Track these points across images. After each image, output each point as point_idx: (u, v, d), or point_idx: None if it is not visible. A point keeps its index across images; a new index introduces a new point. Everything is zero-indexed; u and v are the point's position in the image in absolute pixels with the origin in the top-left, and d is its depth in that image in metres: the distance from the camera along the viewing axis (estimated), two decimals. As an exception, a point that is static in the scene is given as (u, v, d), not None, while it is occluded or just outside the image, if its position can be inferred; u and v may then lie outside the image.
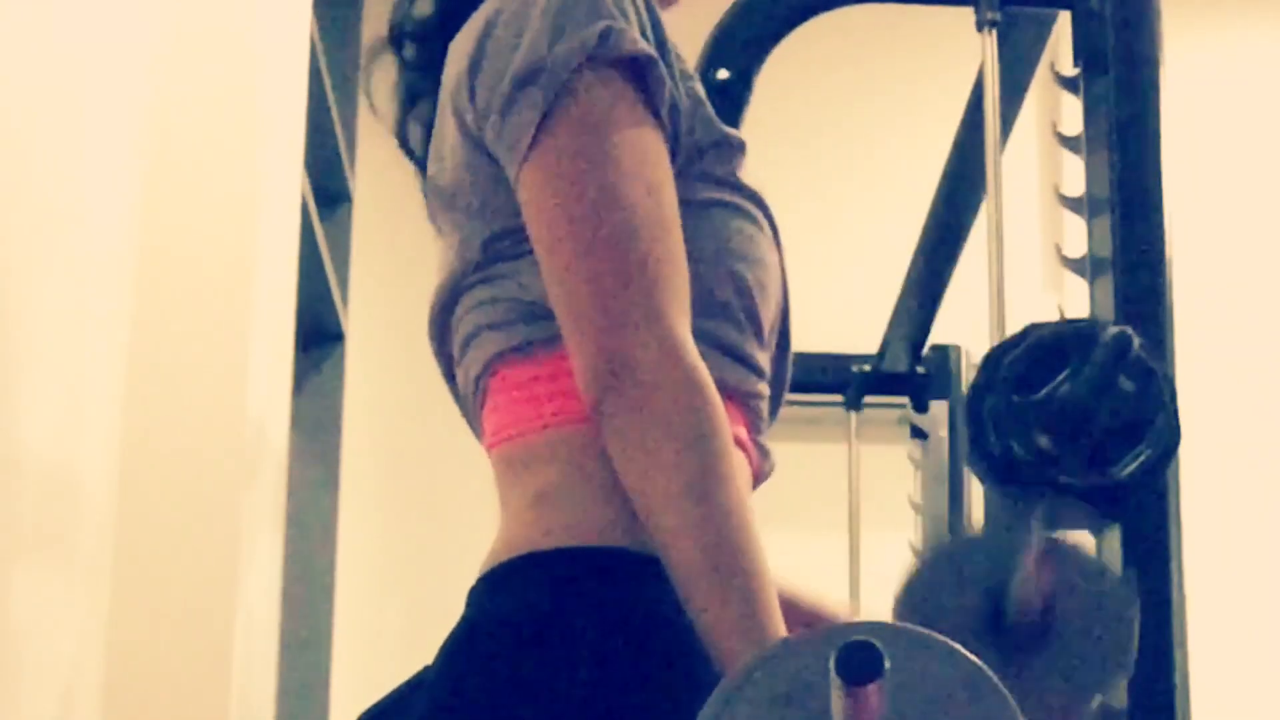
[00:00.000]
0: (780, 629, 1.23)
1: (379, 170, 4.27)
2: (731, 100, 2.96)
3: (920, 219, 3.61)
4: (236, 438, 2.28)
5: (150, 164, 2.27)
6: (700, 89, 1.45)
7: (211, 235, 2.31)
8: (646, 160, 1.33)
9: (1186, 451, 2.20)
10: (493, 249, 1.39)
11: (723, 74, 2.97)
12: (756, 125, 3.07)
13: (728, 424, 1.28)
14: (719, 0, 3.06)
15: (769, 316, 1.44)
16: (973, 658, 1.16)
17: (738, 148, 1.45)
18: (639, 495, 1.27)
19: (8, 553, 1.76)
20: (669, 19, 1.46)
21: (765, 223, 1.45)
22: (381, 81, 1.59)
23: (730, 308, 1.39)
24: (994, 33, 2.87)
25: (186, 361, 2.25)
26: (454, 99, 1.40)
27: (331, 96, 3.58)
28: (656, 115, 1.36)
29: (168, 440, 2.22)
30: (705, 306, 1.36)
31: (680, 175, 1.37)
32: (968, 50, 2.94)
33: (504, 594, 1.33)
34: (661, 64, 1.37)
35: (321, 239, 3.56)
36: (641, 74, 1.35)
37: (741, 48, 3.01)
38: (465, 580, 1.63)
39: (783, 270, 1.48)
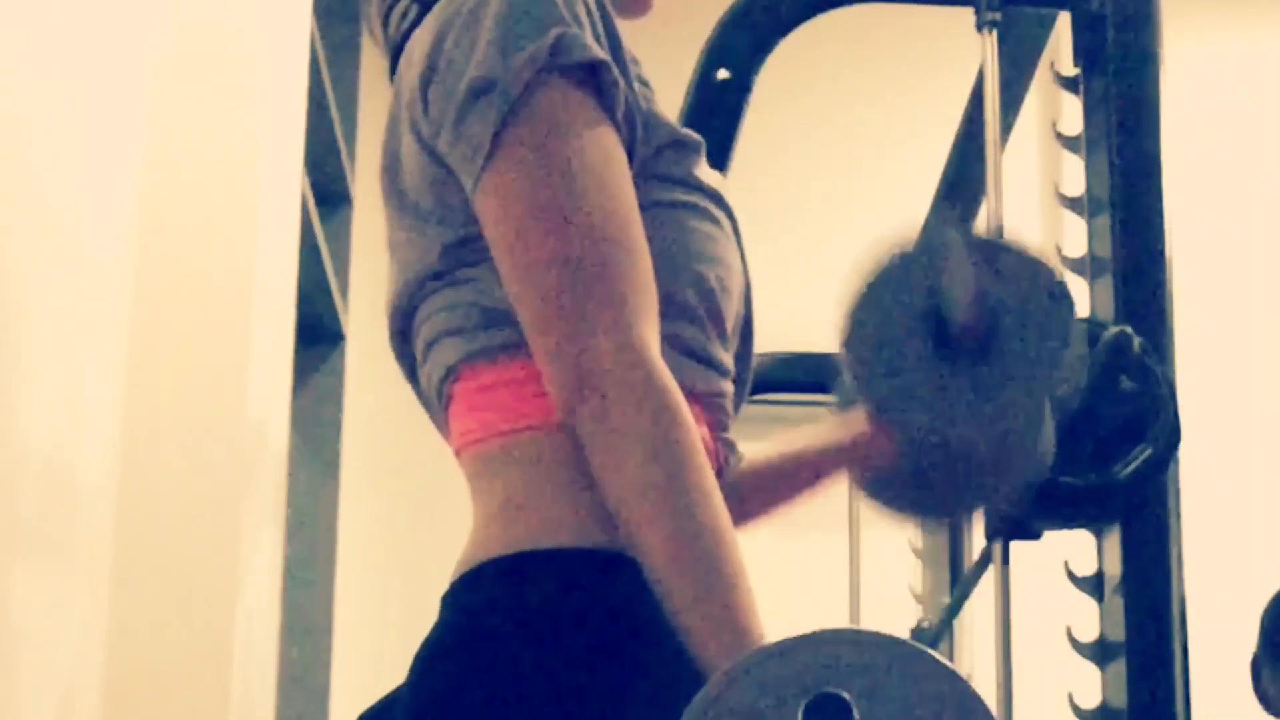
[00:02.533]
0: (758, 632, 1.22)
1: (379, 170, 4.26)
2: (731, 100, 2.96)
3: (920, 219, 3.60)
4: (236, 438, 2.28)
5: (150, 164, 2.27)
6: (650, 89, 1.44)
7: (211, 235, 2.31)
8: (604, 167, 1.32)
9: (1186, 451, 2.20)
10: (453, 256, 1.38)
11: (723, 74, 2.96)
12: (756, 125, 3.07)
13: (694, 428, 1.28)
14: (719, 0, 3.06)
15: (731, 315, 1.44)
16: (962, 676, 1.11)
17: (693, 147, 1.44)
18: (611, 502, 1.28)
19: (8, 553, 1.76)
20: (656, 25, 1.45)
21: (726, 220, 1.44)
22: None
23: (692, 309, 1.39)
24: (994, 33, 2.87)
25: (186, 361, 2.25)
26: (409, 108, 1.39)
27: (331, 96, 3.58)
28: (613, 119, 1.35)
29: (168, 440, 2.22)
30: (667, 309, 1.35)
31: (637, 178, 1.37)
32: (968, 50, 2.94)
33: (475, 598, 1.33)
34: (616, 68, 1.36)
35: (321, 239, 3.56)
36: (596, 79, 1.35)
37: (741, 48, 3.00)
38: (465, 580, 1.62)
39: (744, 265, 1.47)
